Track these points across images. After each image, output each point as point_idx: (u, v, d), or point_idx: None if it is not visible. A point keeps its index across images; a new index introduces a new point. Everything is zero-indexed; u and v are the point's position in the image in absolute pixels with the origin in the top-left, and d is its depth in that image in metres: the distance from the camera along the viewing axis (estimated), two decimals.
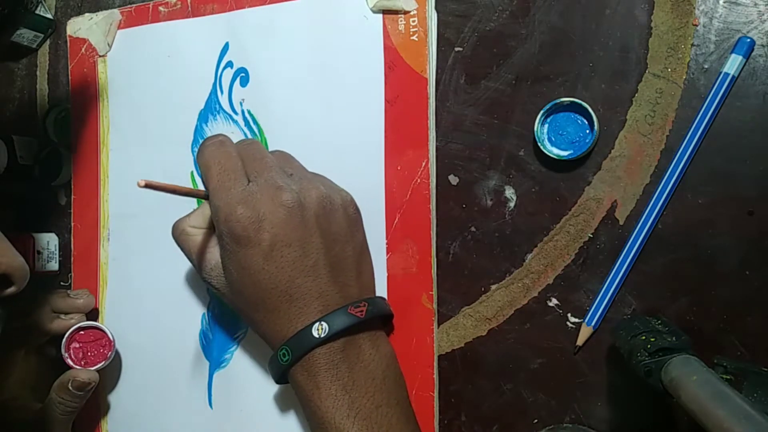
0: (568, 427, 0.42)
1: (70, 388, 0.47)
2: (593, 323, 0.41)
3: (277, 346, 0.40)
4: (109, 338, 0.50)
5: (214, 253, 0.43)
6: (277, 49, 0.49)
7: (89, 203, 0.55)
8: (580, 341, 0.42)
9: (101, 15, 0.55)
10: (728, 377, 0.34)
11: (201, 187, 0.51)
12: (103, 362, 0.50)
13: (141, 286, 0.53)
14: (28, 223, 0.58)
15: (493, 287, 0.44)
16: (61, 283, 0.56)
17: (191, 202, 0.50)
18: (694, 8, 0.40)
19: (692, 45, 0.40)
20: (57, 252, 0.56)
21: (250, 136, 0.49)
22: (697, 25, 0.40)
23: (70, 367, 0.49)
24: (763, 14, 0.39)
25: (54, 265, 0.56)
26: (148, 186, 0.37)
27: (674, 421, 0.40)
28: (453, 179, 0.45)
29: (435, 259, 0.44)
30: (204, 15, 0.51)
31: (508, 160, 0.44)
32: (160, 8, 0.53)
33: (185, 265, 0.51)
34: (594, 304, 0.41)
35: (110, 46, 0.55)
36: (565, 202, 0.43)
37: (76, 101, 0.56)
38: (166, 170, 0.52)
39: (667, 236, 0.40)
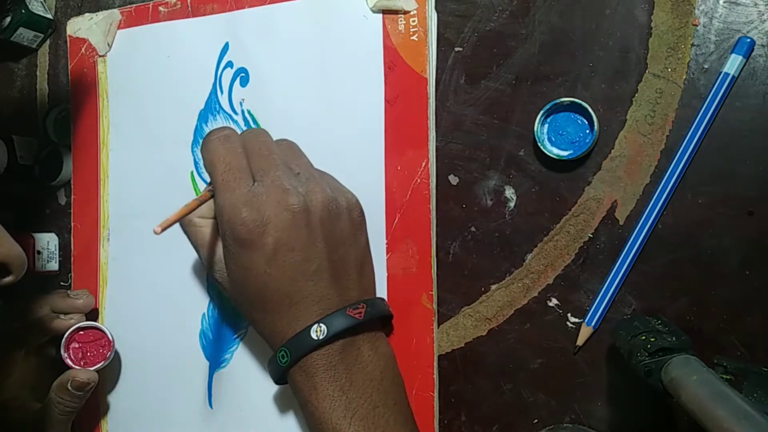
0: (568, 427, 0.42)
1: (70, 388, 0.47)
2: (593, 323, 0.41)
3: (277, 347, 0.40)
4: (108, 338, 0.50)
5: (220, 248, 0.42)
6: (277, 49, 0.49)
7: (89, 203, 0.55)
8: (580, 341, 0.42)
9: (101, 15, 0.55)
10: (728, 377, 0.34)
11: (201, 185, 0.51)
12: (102, 362, 0.50)
13: (141, 286, 0.53)
14: (28, 223, 0.58)
15: (493, 287, 0.44)
16: (61, 283, 0.56)
17: None
18: (694, 8, 0.40)
19: (692, 45, 0.40)
20: (57, 252, 0.56)
21: None
22: (697, 25, 0.40)
23: (69, 367, 0.49)
24: (763, 14, 0.39)
25: (54, 265, 0.56)
26: (165, 228, 0.38)
27: (674, 421, 0.40)
28: (453, 179, 0.45)
29: (435, 259, 0.44)
30: (204, 15, 0.51)
31: (508, 160, 0.44)
32: (160, 8, 0.53)
33: (185, 265, 0.51)
34: (594, 304, 0.41)
35: (110, 46, 0.55)
36: (565, 202, 0.43)
37: (76, 101, 0.56)
38: (166, 170, 0.52)
39: (667, 236, 0.40)
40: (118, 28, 0.55)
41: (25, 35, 0.57)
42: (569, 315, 0.42)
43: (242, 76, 0.50)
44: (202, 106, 0.51)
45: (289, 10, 0.49)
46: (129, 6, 0.54)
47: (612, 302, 0.41)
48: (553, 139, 0.43)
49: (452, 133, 0.45)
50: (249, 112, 0.50)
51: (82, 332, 0.50)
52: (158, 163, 0.53)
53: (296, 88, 0.48)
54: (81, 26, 0.55)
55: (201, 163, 0.51)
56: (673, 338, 0.36)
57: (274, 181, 0.40)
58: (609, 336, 0.41)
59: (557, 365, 0.42)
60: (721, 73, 0.39)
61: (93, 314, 0.53)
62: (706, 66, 0.40)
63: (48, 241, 0.56)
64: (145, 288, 0.53)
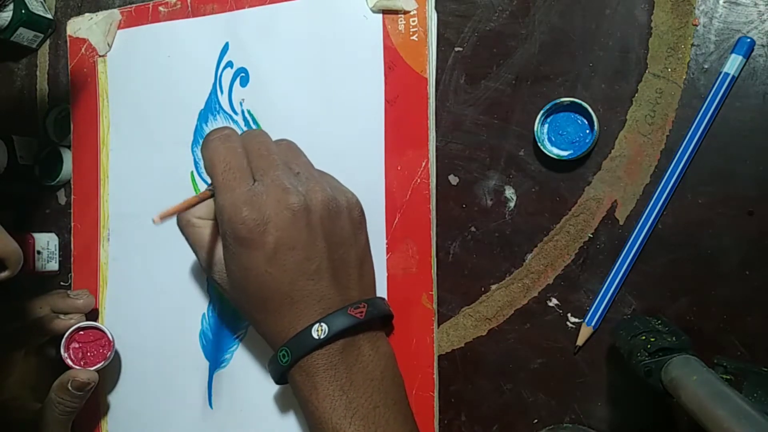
0: (568, 427, 0.42)
1: (70, 388, 0.47)
2: (593, 323, 0.41)
3: (278, 347, 0.40)
4: (108, 338, 0.50)
5: (219, 249, 0.42)
6: (277, 49, 0.49)
7: (89, 203, 0.55)
8: (580, 341, 0.42)
9: (101, 15, 0.55)
10: (728, 377, 0.34)
11: (201, 185, 0.51)
12: (102, 362, 0.50)
13: (141, 286, 0.53)
14: (28, 223, 0.58)
15: (493, 287, 0.44)
16: (61, 283, 0.56)
17: None
18: (694, 8, 0.40)
19: (692, 45, 0.40)
20: (57, 252, 0.56)
21: None
22: (697, 25, 0.40)
23: (69, 368, 0.49)
24: (763, 14, 0.39)
25: (54, 265, 0.56)
26: (164, 218, 0.37)
27: (674, 421, 0.40)
28: (453, 179, 0.45)
29: (435, 259, 0.44)
30: (204, 15, 0.51)
31: (508, 160, 0.44)
32: (160, 8, 0.53)
33: (185, 265, 0.51)
34: (594, 304, 0.41)
35: (110, 46, 0.55)
36: (565, 202, 0.43)
37: (76, 101, 0.56)
38: (166, 170, 0.52)
39: (667, 236, 0.40)
40: (118, 28, 0.55)
41: (25, 35, 0.57)
42: (569, 315, 0.42)
43: (242, 76, 0.50)
44: (202, 106, 0.51)
45: (289, 10, 0.49)
46: (129, 6, 0.54)
47: (612, 302, 0.41)
48: (553, 139, 0.43)
49: (452, 133, 0.45)
50: (249, 112, 0.50)
51: (82, 332, 0.50)
52: (158, 163, 0.53)
53: (296, 88, 0.48)
54: (81, 26, 0.55)
55: (201, 162, 0.51)
56: (673, 338, 0.36)
57: (274, 180, 0.40)
58: (609, 336, 0.41)
59: (557, 365, 0.42)
60: (721, 73, 0.39)
61: (93, 314, 0.53)
62: (706, 66, 0.40)
63: (48, 241, 0.56)
64: (145, 288, 0.53)
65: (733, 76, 0.39)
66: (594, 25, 0.42)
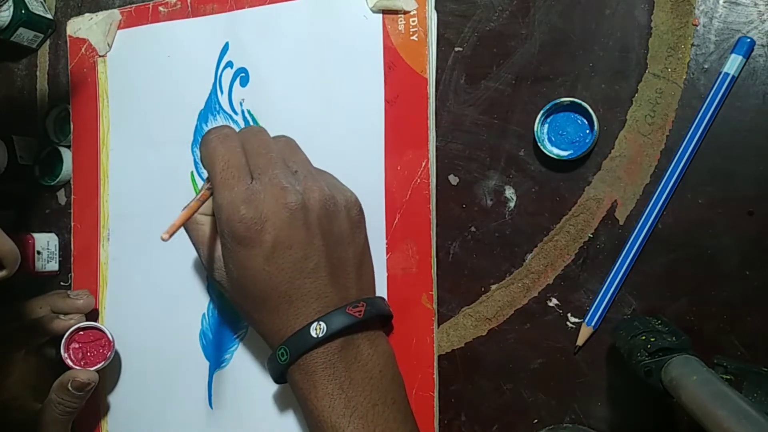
0: (568, 427, 0.42)
1: (70, 388, 0.47)
2: (593, 323, 0.41)
3: (276, 346, 0.40)
4: (108, 338, 0.50)
5: (219, 247, 0.42)
6: (277, 49, 0.49)
7: (89, 203, 0.55)
8: (580, 341, 0.42)
9: (101, 15, 0.55)
10: (728, 377, 0.34)
11: (201, 185, 0.51)
12: (102, 362, 0.50)
13: (141, 286, 0.53)
14: (28, 223, 0.58)
15: (493, 287, 0.44)
16: (61, 284, 0.56)
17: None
18: (694, 8, 0.40)
19: (692, 45, 0.40)
20: (57, 252, 0.56)
21: None
22: (697, 25, 0.40)
23: (69, 368, 0.49)
24: (763, 14, 0.39)
25: (54, 265, 0.56)
26: (171, 234, 0.38)
27: (674, 421, 0.40)
28: (453, 179, 0.45)
29: (435, 259, 0.44)
30: (204, 15, 0.51)
31: (508, 160, 0.44)
32: (160, 8, 0.53)
33: (185, 265, 0.51)
34: (594, 304, 0.41)
35: (110, 46, 0.55)
36: (565, 202, 0.43)
37: (76, 101, 0.56)
38: (166, 170, 0.52)
39: (667, 236, 0.40)
40: (118, 28, 0.54)
41: (25, 35, 0.57)
42: (569, 315, 0.42)
43: (242, 76, 0.50)
44: (202, 106, 0.51)
45: (289, 10, 0.49)
46: (129, 6, 0.54)
47: (612, 302, 0.41)
48: (553, 139, 0.43)
49: (452, 133, 0.45)
50: (249, 112, 0.50)
51: (82, 332, 0.50)
52: (158, 163, 0.53)
53: (296, 88, 0.48)
54: (81, 26, 0.55)
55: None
56: (673, 338, 0.36)
57: (272, 179, 0.40)
58: (609, 336, 0.41)
59: (557, 365, 0.42)
60: (721, 73, 0.39)
61: (93, 314, 0.53)
62: (706, 66, 0.40)
63: (48, 241, 0.56)
64: (145, 288, 0.53)
65: (733, 76, 0.39)
66: (594, 25, 0.42)
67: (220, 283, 0.43)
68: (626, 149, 0.41)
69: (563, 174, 0.43)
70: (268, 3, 0.49)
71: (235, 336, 0.50)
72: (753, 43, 0.39)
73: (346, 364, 0.39)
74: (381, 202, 0.45)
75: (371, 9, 0.46)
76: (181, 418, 0.51)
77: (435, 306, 0.44)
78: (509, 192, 0.44)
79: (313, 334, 0.39)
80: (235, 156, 0.41)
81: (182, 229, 0.45)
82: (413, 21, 0.45)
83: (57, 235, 0.57)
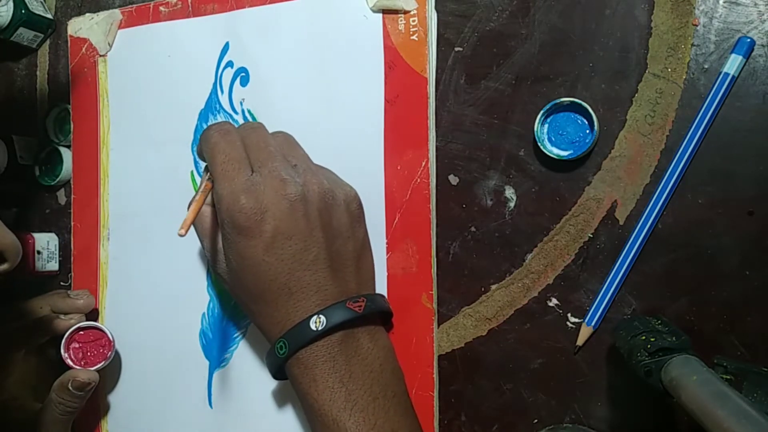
0: (568, 427, 0.42)
1: (70, 388, 0.47)
2: (593, 323, 0.41)
3: (275, 339, 0.40)
4: (108, 338, 0.50)
5: (220, 239, 0.43)
6: (277, 49, 0.49)
7: (89, 203, 0.55)
8: (580, 341, 0.42)
9: (102, 15, 0.55)
10: (728, 377, 0.34)
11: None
12: (102, 362, 0.50)
13: (141, 286, 0.53)
14: (28, 223, 0.58)
15: (493, 287, 0.44)
16: (61, 283, 0.56)
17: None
18: (694, 8, 0.40)
19: (692, 45, 0.40)
20: (57, 252, 0.56)
21: None
22: (697, 25, 0.40)
23: (69, 368, 0.49)
24: (763, 14, 0.39)
25: (54, 265, 0.56)
26: (187, 229, 0.39)
27: (674, 421, 0.40)
28: (453, 179, 0.45)
29: (435, 259, 0.44)
30: (204, 15, 0.51)
31: (508, 160, 0.44)
32: (161, 8, 0.53)
33: (185, 264, 0.51)
34: (594, 304, 0.41)
35: (111, 46, 0.55)
36: (565, 202, 0.43)
37: (76, 101, 0.56)
38: (167, 170, 0.52)
39: (667, 236, 0.40)
40: (119, 27, 0.55)
41: (25, 35, 0.57)
42: (569, 315, 0.42)
43: (242, 75, 0.50)
44: (203, 106, 0.51)
45: (290, 9, 0.49)
46: (130, 6, 0.54)
47: (612, 302, 0.41)
48: (553, 139, 0.43)
49: (452, 133, 0.45)
50: (249, 111, 0.50)
51: (82, 332, 0.50)
52: (158, 162, 0.53)
53: (296, 87, 0.48)
54: (82, 26, 0.55)
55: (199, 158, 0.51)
56: (673, 338, 0.36)
57: (272, 171, 0.40)
58: (609, 336, 0.41)
59: (557, 365, 0.42)
60: (721, 73, 0.39)
61: (93, 314, 0.53)
62: (706, 66, 0.40)
63: (48, 241, 0.56)
64: (145, 288, 0.53)
65: (733, 76, 0.39)
66: (594, 25, 0.42)
67: (221, 275, 0.43)
68: (626, 149, 0.41)
69: (563, 174, 0.43)
70: (269, 3, 0.49)
71: (235, 335, 0.50)
72: (753, 43, 0.39)
73: (347, 357, 0.39)
74: (381, 202, 0.45)
75: (371, 9, 0.46)
76: (181, 417, 0.51)
77: (435, 306, 0.44)
78: (509, 192, 0.44)
79: (313, 327, 0.39)
80: (236, 149, 0.41)
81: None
82: (413, 21, 0.45)
83: (57, 235, 0.57)
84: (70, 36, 0.56)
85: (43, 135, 0.57)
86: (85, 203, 0.55)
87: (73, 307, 0.51)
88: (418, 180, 0.45)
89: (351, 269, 0.42)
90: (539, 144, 0.42)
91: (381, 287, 0.45)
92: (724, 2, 0.40)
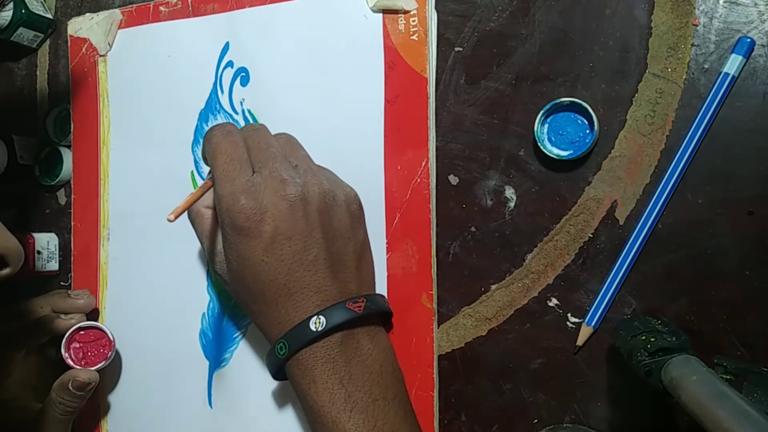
0: (568, 427, 0.42)
1: (71, 388, 0.47)
2: (593, 323, 0.41)
3: (275, 339, 0.40)
4: (109, 338, 0.50)
5: (220, 239, 0.43)
6: (277, 49, 0.49)
7: (89, 203, 0.55)
8: (580, 341, 0.42)
9: (102, 15, 0.55)
10: (728, 377, 0.34)
11: (200, 183, 0.51)
12: (103, 362, 0.50)
13: (141, 286, 0.53)
14: (28, 223, 0.58)
15: (493, 287, 0.44)
16: (61, 283, 0.56)
17: None
18: (694, 8, 0.40)
19: (692, 45, 0.40)
20: (57, 252, 0.56)
21: None
22: (697, 25, 0.40)
23: (70, 367, 0.49)
24: (763, 14, 0.39)
25: (54, 265, 0.56)
26: (177, 215, 0.39)
27: (674, 421, 0.40)
28: (453, 179, 0.45)
29: (435, 259, 0.44)
30: (204, 15, 0.51)
31: (508, 160, 0.44)
32: (161, 8, 0.53)
33: (185, 264, 0.51)
34: (594, 304, 0.41)
35: (111, 46, 0.55)
36: (565, 202, 0.43)
37: (76, 101, 0.56)
38: (167, 170, 0.52)
39: (667, 236, 0.40)
40: (119, 27, 0.55)
41: (25, 35, 0.57)
42: (569, 315, 0.42)
43: (243, 75, 0.50)
44: (203, 106, 0.51)
45: (290, 9, 0.49)
46: (130, 6, 0.54)
47: (612, 302, 0.41)
48: (553, 139, 0.43)
49: (452, 133, 0.45)
50: (249, 111, 0.50)
51: (82, 332, 0.50)
52: (158, 162, 0.53)
53: (296, 87, 0.48)
54: (82, 26, 0.55)
55: (201, 161, 0.51)
56: (673, 338, 0.36)
57: (272, 172, 0.41)
58: (609, 336, 0.41)
59: (557, 365, 0.42)
60: (721, 73, 0.39)
61: (93, 314, 0.53)
62: (706, 66, 0.40)
63: (48, 241, 0.56)
64: (145, 288, 0.53)
65: (733, 76, 0.39)
66: (594, 25, 0.42)
67: (221, 275, 0.43)
68: (626, 149, 0.41)
69: (563, 174, 0.43)
70: (269, 3, 0.49)
71: (235, 335, 0.50)
72: (753, 43, 0.39)
73: (346, 358, 0.39)
74: (381, 202, 0.45)
75: (371, 8, 0.46)
76: (181, 417, 0.51)
77: (435, 306, 0.44)
78: (509, 192, 0.44)
79: (313, 327, 0.39)
80: (237, 150, 0.42)
81: (184, 228, 0.45)
82: (413, 21, 0.45)
83: (57, 235, 0.57)
84: (70, 36, 0.56)
85: (43, 135, 0.57)
86: (85, 203, 0.55)
87: (74, 307, 0.51)
88: (418, 180, 0.45)
89: (351, 270, 0.42)
90: (539, 144, 0.42)
91: (381, 287, 0.45)
92: (724, 2, 0.40)
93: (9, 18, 0.55)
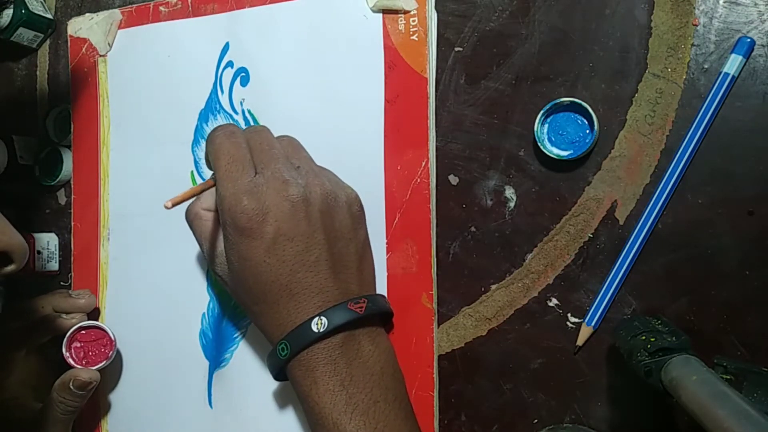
0: (568, 427, 0.42)
1: (72, 387, 0.47)
2: (593, 323, 0.41)
3: (277, 340, 0.40)
4: (110, 338, 0.50)
5: (221, 241, 0.43)
6: (277, 49, 0.49)
7: (89, 203, 0.55)
8: (580, 341, 0.42)
9: (102, 15, 0.55)
10: (728, 377, 0.34)
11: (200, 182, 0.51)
12: (104, 362, 0.50)
13: (141, 286, 0.53)
14: (28, 223, 0.58)
15: (493, 287, 0.44)
16: (61, 283, 0.56)
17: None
18: (694, 8, 0.40)
19: (692, 45, 0.40)
20: (57, 252, 0.56)
21: None
22: (697, 25, 0.40)
23: (71, 367, 0.49)
24: (763, 14, 0.39)
25: (54, 265, 0.56)
26: (175, 204, 0.38)
27: (674, 421, 0.40)
28: (453, 179, 0.45)
29: (435, 259, 0.44)
30: (204, 15, 0.51)
31: (508, 160, 0.44)
32: (161, 8, 0.53)
33: (185, 264, 0.51)
34: (594, 304, 0.41)
35: (111, 46, 0.55)
36: (565, 202, 0.43)
37: (76, 101, 0.56)
38: (167, 170, 0.52)
39: (667, 236, 0.40)
40: (119, 27, 0.55)
41: (25, 35, 0.57)
42: (569, 315, 0.42)
43: (242, 75, 0.50)
44: (203, 106, 0.51)
45: (290, 9, 0.49)
46: (129, 6, 0.54)
47: (612, 302, 0.41)
48: (553, 139, 0.43)
49: (452, 133, 0.45)
50: (249, 111, 0.50)
51: (83, 332, 0.50)
52: (158, 162, 0.53)
53: (296, 87, 0.48)
54: (82, 26, 0.55)
55: (202, 161, 0.51)
56: (673, 338, 0.36)
57: (275, 173, 0.41)
58: (609, 336, 0.41)
59: (557, 365, 0.42)
60: (721, 73, 0.39)
61: (94, 314, 0.53)
62: (706, 66, 0.40)
63: (48, 241, 0.56)
64: (145, 288, 0.53)
65: (733, 76, 0.39)
66: (594, 25, 0.42)
67: (221, 277, 0.43)
68: (626, 149, 0.41)
69: (563, 174, 0.43)
70: (269, 3, 0.49)
71: (235, 336, 0.50)
72: (753, 43, 0.39)
73: (347, 360, 0.39)
74: (381, 202, 0.45)
75: (371, 9, 0.46)
76: (181, 417, 0.51)
77: (435, 306, 0.44)
78: (509, 192, 0.44)
79: (314, 328, 0.39)
80: (240, 151, 0.42)
81: (184, 228, 0.45)
82: (413, 21, 0.45)
83: (57, 235, 0.57)
84: (70, 36, 0.56)
85: (43, 135, 0.57)
86: (85, 203, 0.55)
87: (75, 307, 0.51)
88: (418, 180, 0.45)
89: (352, 271, 0.42)
90: (539, 144, 0.42)
91: (381, 287, 0.45)
92: (724, 2, 0.40)
93: (9, 18, 0.55)
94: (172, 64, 0.52)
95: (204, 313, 0.51)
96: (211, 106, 0.51)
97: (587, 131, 0.42)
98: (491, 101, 0.44)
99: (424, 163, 0.45)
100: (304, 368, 0.39)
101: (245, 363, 0.49)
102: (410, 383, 0.44)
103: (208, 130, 0.51)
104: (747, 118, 0.39)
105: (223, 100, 0.51)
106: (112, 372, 0.53)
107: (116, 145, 0.54)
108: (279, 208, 0.39)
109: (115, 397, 0.53)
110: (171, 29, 0.52)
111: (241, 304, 0.43)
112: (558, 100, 0.42)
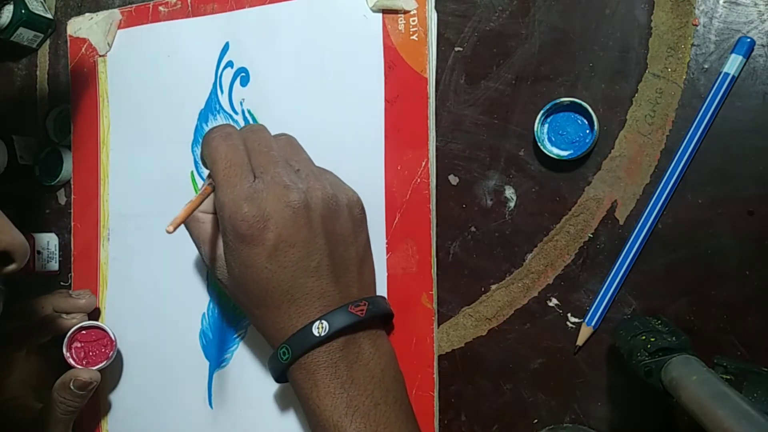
0: (568, 427, 0.42)
1: (72, 387, 0.47)
2: (593, 323, 0.41)
3: (278, 344, 0.40)
4: (110, 338, 0.50)
5: (220, 245, 0.42)
6: (277, 49, 0.49)
7: (89, 203, 0.55)
8: (580, 341, 0.42)
9: (102, 15, 0.55)
10: (728, 377, 0.34)
11: (200, 183, 0.51)
12: (104, 362, 0.50)
13: (141, 286, 0.53)
14: (28, 223, 0.58)
15: (493, 287, 0.44)
16: (61, 283, 0.56)
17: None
18: (694, 8, 0.40)
19: (692, 45, 0.40)
20: (57, 252, 0.56)
21: None
22: (697, 25, 0.40)
23: (71, 367, 0.49)
24: (763, 14, 0.39)
25: (54, 265, 0.56)
26: (176, 226, 0.39)
27: (674, 421, 0.40)
28: (453, 179, 0.45)
29: (435, 259, 0.44)
30: (204, 15, 0.51)
31: (508, 160, 0.44)
32: (161, 8, 0.53)
33: (185, 264, 0.51)
34: (594, 304, 0.41)
35: (110, 46, 0.55)
36: (565, 202, 0.43)
37: (76, 101, 0.56)
38: (166, 170, 0.52)
39: (667, 236, 0.40)
40: (119, 27, 0.55)
41: (25, 35, 0.57)
42: (569, 315, 0.42)
43: (242, 75, 0.50)
44: (203, 106, 0.51)
45: (289, 9, 0.49)
46: (129, 6, 0.54)
47: (612, 302, 0.41)
48: (553, 139, 0.43)
49: (452, 133, 0.45)
50: (249, 111, 0.50)
51: (84, 332, 0.50)
52: (158, 162, 0.53)
53: (296, 87, 0.48)
54: (81, 26, 0.55)
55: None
56: (673, 338, 0.36)
57: (274, 177, 0.40)
58: (609, 336, 0.41)
59: (557, 365, 0.42)
60: (721, 73, 0.39)
61: (94, 314, 0.53)
62: (706, 66, 0.40)
63: (48, 241, 0.56)
64: (145, 288, 0.53)
65: (733, 76, 0.39)
66: (594, 25, 0.42)
67: (221, 281, 0.43)
68: (626, 149, 0.41)
69: (563, 174, 0.43)
70: (268, 3, 0.49)
71: (235, 336, 0.50)
72: (753, 43, 0.39)
73: (348, 363, 0.39)
74: (381, 202, 0.45)
75: (371, 8, 0.46)
76: (181, 418, 0.51)
77: (435, 306, 0.44)
78: (509, 192, 0.44)
79: (315, 332, 0.39)
80: (238, 154, 0.41)
81: (183, 228, 0.45)
82: (413, 21, 0.45)
83: (57, 235, 0.57)
84: (70, 36, 0.56)
85: (43, 135, 0.57)
86: (85, 203, 0.55)
87: (75, 307, 0.51)
88: (418, 180, 0.45)
89: (354, 274, 0.42)
90: (539, 144, 0.42)
91: (381, 287, 0.45)
92: (724, 2, 0.40)
93: (9, 18, 0.55)
94: (172, 64, 0.52)
95: (204, 313, 0.51)
96: (211, 106, 0.51)
97: (587, 131, 0.42)
98: (491, 101, 0.44)
99: (424, 163, 0.45)
100: (305, 371, 0.39)
101: (245, 363, 0.49)
102: (410, 383, 0.44)
103: (207, 130, 0.51)
104: (747, 118, 0.39)
105: (223, 100, 0.51)
106: (112, 372, 0.53)
107: (116, 145, 0.54)
108: (280, 215, 0.39)
109: (115, 397, 0.53)
110: (170, 29, 0.52)
111: (241, 307, 0.43)
112: (558, 100, 0.42)
